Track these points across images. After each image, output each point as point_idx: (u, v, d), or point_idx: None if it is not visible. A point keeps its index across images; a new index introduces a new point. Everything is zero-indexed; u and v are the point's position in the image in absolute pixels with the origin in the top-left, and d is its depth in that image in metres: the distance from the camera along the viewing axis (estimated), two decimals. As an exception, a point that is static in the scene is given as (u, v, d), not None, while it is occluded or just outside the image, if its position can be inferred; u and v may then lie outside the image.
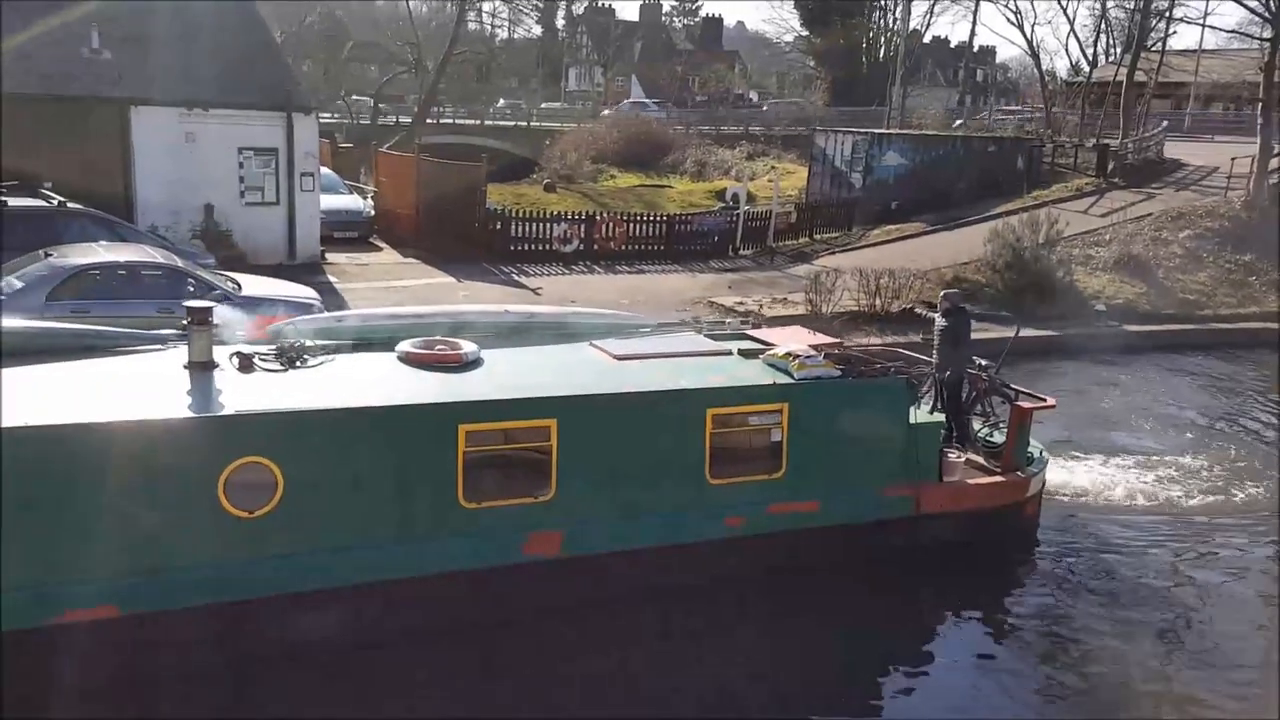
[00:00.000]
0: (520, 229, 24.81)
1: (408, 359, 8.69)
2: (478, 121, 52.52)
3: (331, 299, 17.49)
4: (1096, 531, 11.29)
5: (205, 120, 20.38)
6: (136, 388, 7.57)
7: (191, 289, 13.11)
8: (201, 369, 7.97)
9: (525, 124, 52.19)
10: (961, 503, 10.20)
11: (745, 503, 9.06)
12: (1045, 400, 11.14)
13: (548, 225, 25.08)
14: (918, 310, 12.37)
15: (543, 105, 65.12)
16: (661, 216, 27.36)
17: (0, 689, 6.42)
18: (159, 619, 7.00)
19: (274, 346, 8.56)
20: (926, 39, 70.88)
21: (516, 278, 22.51)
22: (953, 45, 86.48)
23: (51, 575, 6.73)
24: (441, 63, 45.43)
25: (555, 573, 8.30)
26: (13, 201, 15.10)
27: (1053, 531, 11.20)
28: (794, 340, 10.43)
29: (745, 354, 10.01)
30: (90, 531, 6.78)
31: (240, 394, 7.63)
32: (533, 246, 24.70)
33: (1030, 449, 11.11)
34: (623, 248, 25.68)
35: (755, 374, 9.47)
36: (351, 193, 27.31)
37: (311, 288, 15.41)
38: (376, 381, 8.23)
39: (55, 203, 15.62)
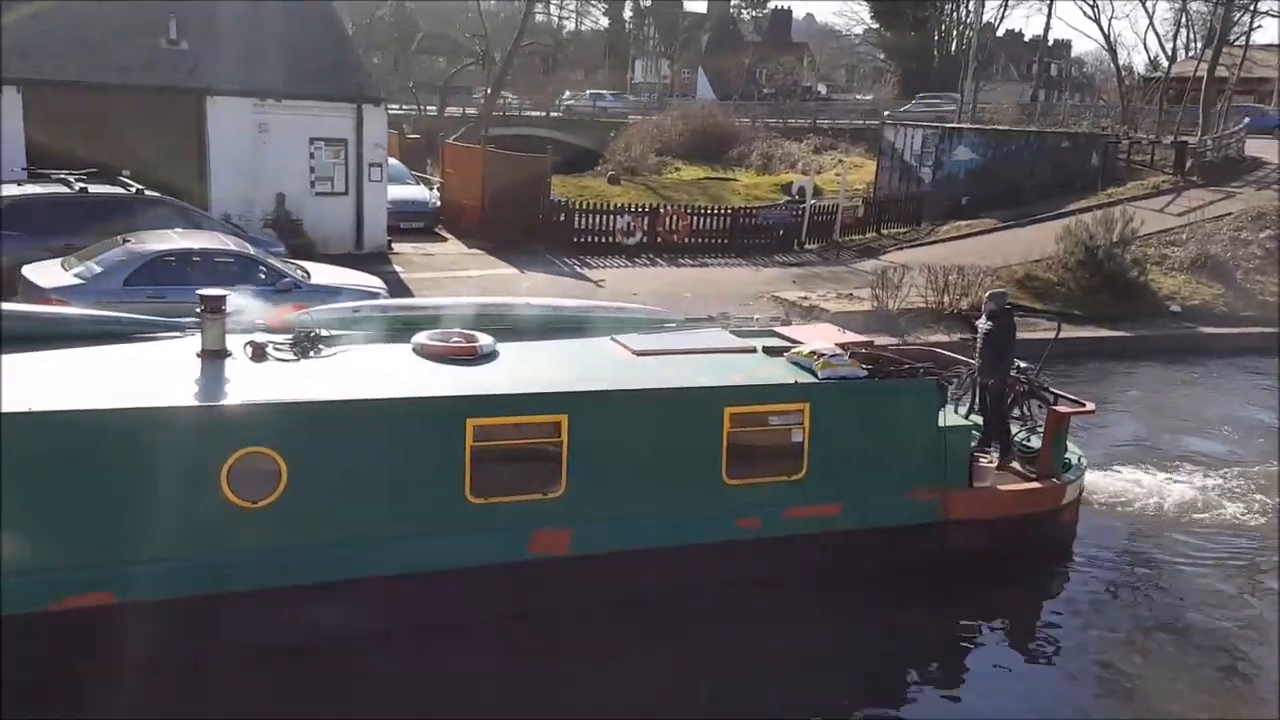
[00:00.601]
0: (584, 221, 24.87)
1: (422, 351, 8.62)
2: (544, 113, 52.74)
3: (397, 289, 17.70)
4: (1141, 544, 10.79)
5: (278, 111, 20.74)
6: (143, 374, 7.58)
7: (262, 276, 13.37)
8: (214, 357, 7.97)
9: (590, 116, 52.26)
10: (992, 509, 9.85)
11: (763, 504, 8.83)
12: (1084, 405, 10.73)
13: (611, 218, 25.09)
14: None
15: (609, 97, 65.15)
16: (726, 210, 27.22)
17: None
18: (155, 607, 6.93)
19: (289, 336, 8.54)
20: (999, 32, 69.56)
21: (579, 270, 22.56)
22: (1026, 39, 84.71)
23: (49, 561, 6.73)
24: (509, 54, 45.67)
25: (563, 571, 8.14)
26: (93, 189, 15.54)
27: (1093, 542, 10.69)
28: (822, 338, 10.17)
29: (770, 352, 9.76)
30: (86, 517, 6.78)
31: (247, 383, 7.61)
32: (596, 239, 24.73)
33: (1069, 455, 10.74)
34: (686, 241, 25.57)
35: (778, 372, 9.24)
36: (418, 183, 27.59)
37: (378, 277, 15.60)
38: (387, 373, 8.15)
39: (133, 190, 16.03)
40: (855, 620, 8.99)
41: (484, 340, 8.81)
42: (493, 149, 26.53)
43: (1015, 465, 10.52)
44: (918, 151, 31.95)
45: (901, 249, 26.76)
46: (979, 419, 10.87)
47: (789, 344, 9.90)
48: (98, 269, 12.65)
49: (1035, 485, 10.19)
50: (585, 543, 8.20)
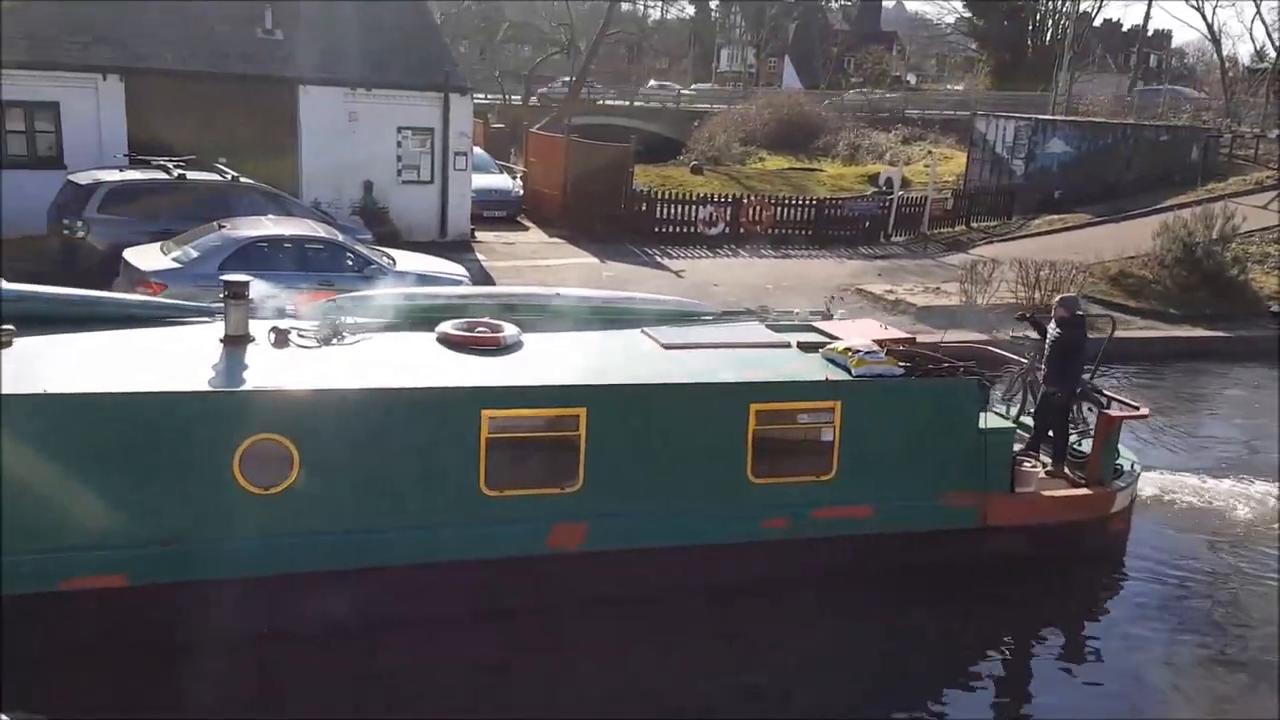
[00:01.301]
0: (666, 211, 24.82)
1: (445, 340, 8.53)
2: (627, 102, 52.75)
3: (479, 277, 17.87)
4: (1201, 558, 10.16)
5: (367, 100, 21.08)
6: (160, 359, 7.62)
7: (350, 263, 13.61)
8: (236, 343, 7.99)
9: (674, 105, 52.12)
10: (1034, 516, 9.49)
11: (790, 504, 8.59)
12: (1138, 409, 10.30)
13: (693, 207, 25.00)
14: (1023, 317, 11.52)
15: (692, 86, 64.92)
16: (810, 200, 26.92)
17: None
18: (170, 590, 6.95)
19: (314, 323, 8.52)
20: (1096, 22, 67.42)
21: (660, 260, 22.51)
22: (1125, 29, 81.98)
23: (49, 541, 6.73)
24: (594, 44, 45.77)
25: (578, 567, 8.00)
26: (190, 175, 15.98)
27: (1147, 552, 10.16)
28: (862, 334, 9.79)
29: (805, 347, 9.46)
30: (93, 500, 6.79)
31: (264, 369, 7.59)
32: (678, 229, 24.65)
33: (1122, 460, 10.29)
34: (769, 231, 25.34)
35: (809, 369, 8.95)
36: (502, 172, 27.84)
37: (461, 265, 15.76)
38: (406, 362, 8.07)
39: (229, 177, 16.45)
40: (881, 625, 8.72)
41: (509, 330, 8.70)
42: (575, 138, 26.62)
43: (1066, 471, 10.15)
44: (1010, 143, 31.19)
45: (991, 243, 26.17)
46: (1027, 420, 10.58)
47: (826, 339, 9.61)
48: (194, 254, 13.00)
49: (1081, 491, 9.79)
50: (603, 538, 8.06)
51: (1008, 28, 56.88)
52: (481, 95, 42.27)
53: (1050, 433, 10.28)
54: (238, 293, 8.05)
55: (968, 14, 62.30)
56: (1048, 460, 10.21)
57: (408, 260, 14.87)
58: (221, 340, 8.02)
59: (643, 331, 9.47)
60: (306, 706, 7.03)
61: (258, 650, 7.23)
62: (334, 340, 8.32)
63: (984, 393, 9.20)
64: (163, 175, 15.85)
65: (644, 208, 24.71)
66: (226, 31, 20.17)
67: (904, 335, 10.30)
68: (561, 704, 7.30)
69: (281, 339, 8.11)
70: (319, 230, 14.20)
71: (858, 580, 8.81)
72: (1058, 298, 10.87)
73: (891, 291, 19.94)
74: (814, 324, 10.40)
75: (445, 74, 21.87)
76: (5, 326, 7.39)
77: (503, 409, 7.71)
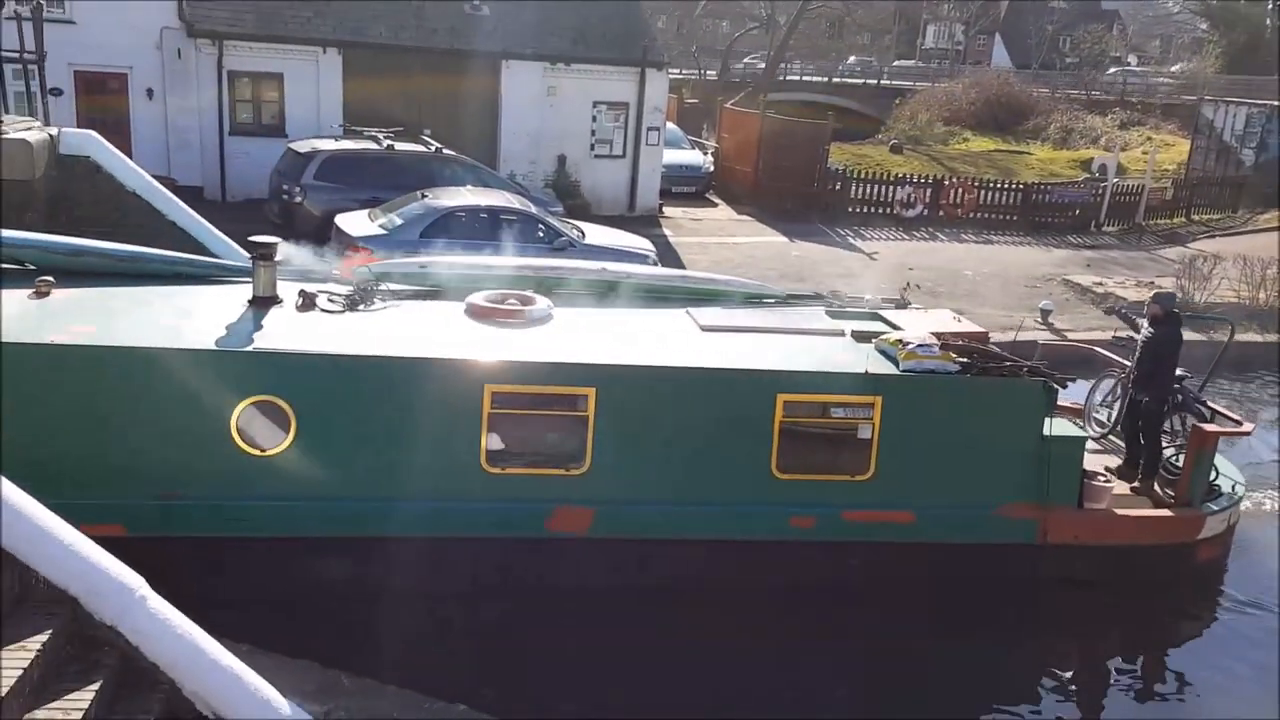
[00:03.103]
0: (861, 190, 24.22)
1: (471, 311, 8.32)
2: (825, 79, 51.62)
3: (665, 252, 17.85)
4: None
5: (566, 75, 21.40)
6: (178, 316, 7.65)
7: (541, 234, 13.84)
8: (262, 304, 7.95)
9: (875, 82, 50.65)
10: (1104, 535, 8.56)
11: (820, 503, 7.98)
12: (1240, 424, 9.22)
13: (891, 188, 24.28)
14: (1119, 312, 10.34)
15: (895, 64, 62.89)
16: (1017, 185, 25.70)
17: None
18: (166, 544, 6.81)
19: (346, 288, 8.46)
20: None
21: (852, 240, 21.94)
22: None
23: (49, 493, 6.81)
24: (794, 19, 44.92)
25: (582, 552, 7.64)
26: (399, 146, 16.64)
27: (1248, 585, 9.04)
28: (931, 326, 8.98)
29: (859, 336, 8.76)
30: (89, 451, 6.85)
31: (274, 331, 7.53)
32: (873, 209, 24.03)
33: (1223, 480, 9.32)
34: (970, 215, 24.42)
35: (854, 360, 8.20)
36: (693, 148, 27.76)
37: (647, 240, 15.77)
38: (424, 331, 7.90)
39: (433, 148, 17.03)
40: (907, 643, 7.93)
41: (538, 304, 8.44)
42: (771, 114, 26.21)
43: (1156, 489, 9.19)
44: (1239, 131, 28.75)
45: (1213, 237, 24.34)
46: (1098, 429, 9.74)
47: (887, 330, 8.87)
48: (399, 221, 13.52)
49: (1161, 512, 8.85)
50: (610, 525, 7.66)
51: (1243, 6, 52.24)
52: (677, 70, 42.31)
53: (1141, 443, 9.37)
54: (265, 254, 8.01)
55: (1202, -11, 57.64)
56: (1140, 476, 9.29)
57: (596, 233, 14.99)
58: (249, 301, 8.03)
59: (687, 312, 9.03)
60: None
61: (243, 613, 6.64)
62: (361, 306, 8.25)
63: (1051, 396, 8.26)
64: (373, 145, 16.57)
65: (838, 187, 24.18)
66: (436, 7, 20.82)
67: (978, 330, 9.40)
68: (537, 689, 6.94)
69: (308, 302, 8.07)
70: (513, 202, 14.51)
71: (893, 592, 8.16)
72: (1151, 295, 9.74)
73: (1100, 284, 18.74)
74: (880, 312, 9.63)
75: (643, 49, 21.91)
76: (45, 278, 7.73)
77: (506, 384, 7.44)
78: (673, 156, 24.61)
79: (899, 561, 8.19)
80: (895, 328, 8.91)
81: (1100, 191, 25.55)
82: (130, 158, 12.04)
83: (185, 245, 10.60)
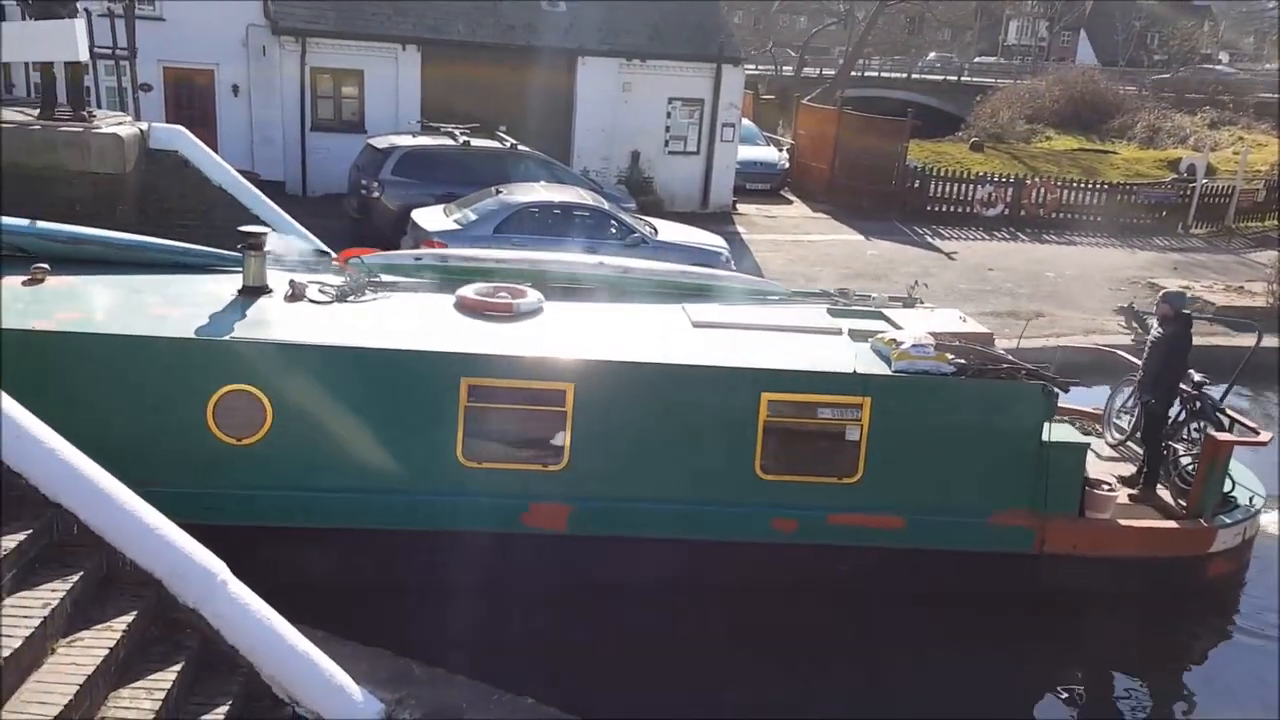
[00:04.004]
0: (940, 188, 23.83)
1: (460, 304, 8.23)
2: (904, 75, 50.86)
3: (738, 250, 17.74)
4: None
5: (641, 71, 21.38)
6: (166, 304, 7.63)
7: (613, 231, 13.84)
8: (251, 294, 7.96)
9: (955, 79, 49.74)
10: (1104, 546, 8.21)
11: (804, 505, 7.76)
12: (1257, 434, 8.74)
13: (971, 187, 23.86)
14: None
15: (976, 60, 61.71)
16: (1102, 184, 25.05)
17: None
18: None
19: (337, 279, 8.42)
20: None
21: (930, 240, 21.59)
22: None
23: None
24: (873, 14, 44.33)
25: (558, 549, 7.49)
26: (474, 142, 16.80)
27: (1265, 606, 8.60)
28: (937, 325, 8.67)
29: (857, 335, 8.47)
30: (74, 433, 6.75)
31: (255, 321, 7.52)
32: (952, 208, 23.65)
33: (1241, 492, 8.90)
34: (1053, 215, 23.89)
35: (845, 359, 7.95)
36: (768, 144, 27.54)
37: (720, 237, 15.68)
38: (407, 323, 7.83)
39: (508, 144, 17.16)
40: (891, 652, 7.71)
41: (529, 298, 8.34)
42: (849, 111, 25.89)
43: (1165, 498, 8.81)
44: (1342, 127, 27.55)
45: (1310, 239, 23.33)
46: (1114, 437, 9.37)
47: (887, 328, 8.57)
48: (473, 216, 13.63)
49: (1168, 524, 8.46)
50: (587, 523, 7.52)
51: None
52: (752, 66, 41.99)
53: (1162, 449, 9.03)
54: (254, 244, 8.04)
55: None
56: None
57: (669, 230, 14.95)
58: (239, 291, 8.03)
59: (683, 308, 8.84)
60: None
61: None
62: (351, 297, 8.20)
63: (1050, 400, 7.92)
64: (450, 141, 16.73)
65: (917, 185, 23.79)
66: (513, 4, 20.96)
67: (983, 331, 9.03)
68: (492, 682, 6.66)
69: (297, 293, 8.07)
70: (587, 198, 14.53)
71: (880, 599, 7.91)
72: (1161, 293, 9.31)
73: (1188, 287, 18.11)
74: (885, 311, 9.32)
75: (719, 45, 21.79)
76: (40, 265, 7.81)
77: (483, 378, 7.35)
78: (747, 153, 24.42)
79: (889, 568, 7.96)
80: (897, 327, 8.65)
81: (1188, 192, 24.76)
82: (216, 152, 12.31)
83: (267, 237, 10.82)
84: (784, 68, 49.31)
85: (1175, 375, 8.93)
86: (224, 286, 8.14)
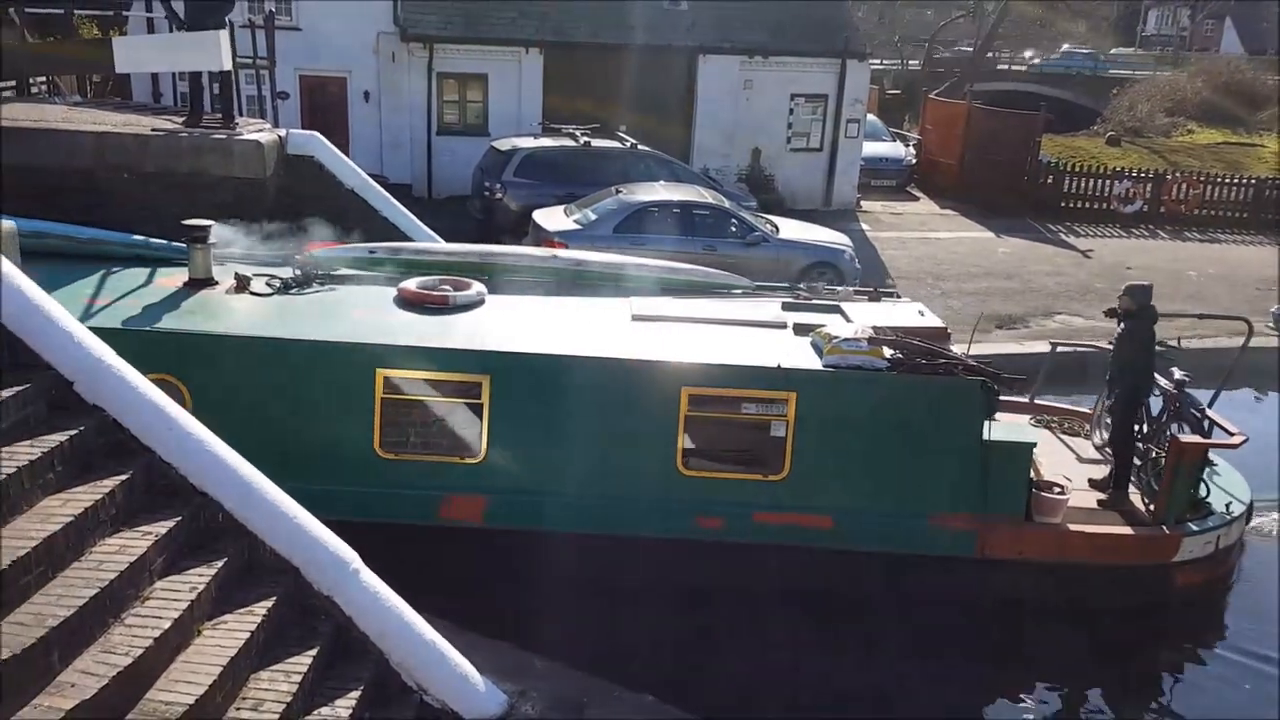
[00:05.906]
0: (1075, 184, 23.01)
1: (400, 296, 8.22)
2: (1036, 67, 49.16)
3: (863, 247, 17.43)
4: None
5: (763, 68, 21.20)
6: (107, 295, 7.67)
7: (733, 229, 13.78)
8: (196, 286, 8.05)
9: (1090, 71, 47.84)
10: (1054, 552, 7.78)
11: (728, 503, 7.54)
12: (1231, 436, 8.06)
13: (1108, 182, 22.97)
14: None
15: (1113, 51, 59.25)
16: (1248, 179, 23.76)
17: None
18: None
19: (284, 270, 8.46)
20: None
21: (1064, 237, 20.85)
22: None
23: None
24: (1003, 5, 43.02)
25: (474, 542, 7.39)
26: (595, 143, 16.94)
27: (1240, 622, 8.06)
28: (890, 319, 8.36)
29: (800, 330, 8.18)
30: None
31: (190, 311, 7.54)
32: (1088, 204, 22.83)
33: (1218, 498, 8.39)
34: (1195, 212, 22.81)
35: (773, 354, 7.64)
36: (894, 140, 27.00)
37: (844, 235, 15.44)
38: (337, 314, 7.83)
39: (628, 144, 17.25)
40: (812, 658, 7.32)
41: (470, 290, 8.29)
42: (977, 105, 25.18)
43: (1139, 505, 8.25)
44: None
45: None
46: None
47: (837, 322, 8.26)
48: (593, 216, 13.76)
49: (1124, 529, 7.98)
50: (503, 515, 7.45)
51: None
52: (877, 61, 41.21)
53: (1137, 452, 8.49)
54: (198, 237, 8.15)
55: None
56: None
57: (790, 228, 14.81)
58: (185, 284, 8.13)
59: (628, 301, 8.66)
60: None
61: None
62: (293, 290, 8.27)
63: (989, 396, 7.51)
64: (570, 143, 16.92)
65: (1050, 180, 23.00)
66: (635, 5, 21.04)
67: (939, 326, 8.53)
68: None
69: (241, 285, 8.15)
70: (706, 196, 14.50)
71: (809, 600, 7.57)
72: (1124, 287, 8.68)
73: (1349, 286, 17.02)
74: (842, 305, 8.96)
75: (843, 39, 21.47)
76: None
77: (399, 369, 7.33)
78: (872, 149, 24.01)
79: (815, 570, 7.65)
80: (849, 321, 8.36)
81: (1348, 185, 23.27)
82: (348, 156, 12.70)
83: (395, 238, 11.12)
84: (910, 62, 48.26)
85: (1140, 373, 8.50)
86: (175, 279, 8.30)
